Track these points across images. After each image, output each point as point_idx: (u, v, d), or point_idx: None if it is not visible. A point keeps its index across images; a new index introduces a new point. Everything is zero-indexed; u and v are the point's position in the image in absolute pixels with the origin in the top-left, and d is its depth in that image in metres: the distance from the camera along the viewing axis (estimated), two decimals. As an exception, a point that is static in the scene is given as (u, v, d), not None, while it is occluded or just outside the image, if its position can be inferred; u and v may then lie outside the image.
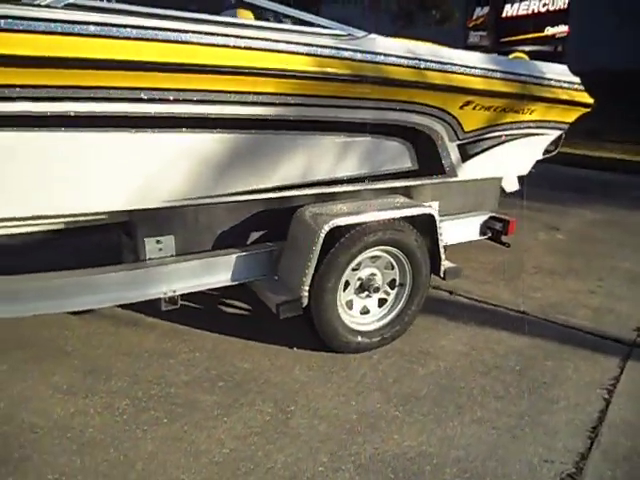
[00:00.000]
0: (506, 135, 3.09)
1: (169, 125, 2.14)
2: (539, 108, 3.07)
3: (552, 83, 3.09)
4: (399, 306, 2.87)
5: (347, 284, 2.73)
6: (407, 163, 2.84)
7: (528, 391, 2.54)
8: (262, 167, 2.45)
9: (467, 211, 3.50)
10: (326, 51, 2.25)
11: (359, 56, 2.33)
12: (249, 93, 2.18)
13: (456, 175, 3.10)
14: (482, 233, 3.49)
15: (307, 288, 2.48)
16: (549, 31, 4.84)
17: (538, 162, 3.78)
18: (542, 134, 3.27)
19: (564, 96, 3.14)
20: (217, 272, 2.60)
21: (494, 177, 3.43)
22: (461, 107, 2.72)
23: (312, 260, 2.45)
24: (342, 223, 2.46)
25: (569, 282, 3.78)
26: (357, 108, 2.47)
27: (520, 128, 3.10)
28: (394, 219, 2.64)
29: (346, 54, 2.29)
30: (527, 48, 4.12)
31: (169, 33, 1.96)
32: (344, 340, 2.70)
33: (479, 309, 3.36)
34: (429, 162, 2.92)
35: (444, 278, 2.92)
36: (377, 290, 2.75)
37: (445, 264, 2.91)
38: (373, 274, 2.78)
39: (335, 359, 2.74)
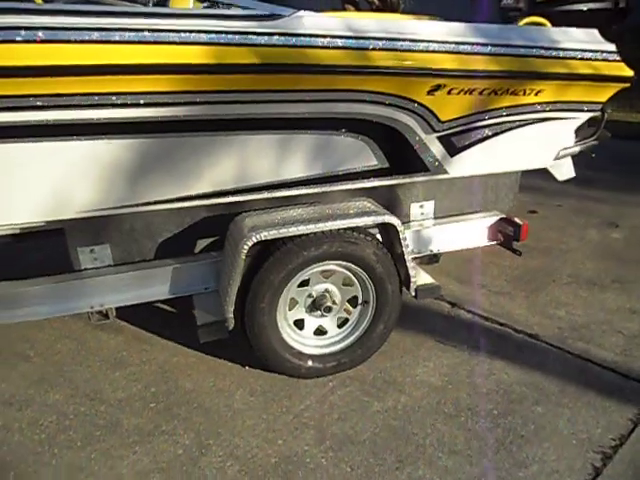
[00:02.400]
0: (506, 122, 2.51)
1: (69, 133, 1.95)
2: (549, 87, 2.44)
3: (569, 54, 2.43)
4: (362, 327, 2.48)
5: (295, 302, 2.40)
6: (372, 161, 2.41)
7: (495, 447, 2.06)
8: (186, 172, 2.18)
9: (472, 212, 2.96)
10: (234, 38, 1.90)
11: (278, 40, 1.95)
12: (148, 94, 1.91)
13: (446, 172, 2.59)
14: (492, 238, 2.93)
15: (232, 309, 2.20)
16: (606, -16, 3.82)
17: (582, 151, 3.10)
18: (562, 118, 2.62)
19: (588, 70, 2.47)
20: (153, 284, 2.41)
21: (504, 172, 2.84)
22: (430, 92, 2.22)
23: (234, 277, 2.15)
24: (268, 237, 2.12)
25: (608, 297, 3.08)
26: (288, 102, 2.09)
27: (525, 113, 2.50)
28: (342, 230, 2.24)
29: (259, 39, 1.92)
30: (574, 7, 3.31)
31: (38, 32, 1.74)
32: (289, 365, 2.39)
33: (480, 329, 2.84)
34: (403, 158, 2.46)
35: (416, 297, 2.47)
36: (329, 309, 2.39)
37: (418, 280, 2.46)
38: (327, 291, 2.42)
39: (285, 384, 2.45)
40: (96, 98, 1.85)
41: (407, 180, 2.58)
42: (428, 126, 2.35)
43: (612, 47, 2.57)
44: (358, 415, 2.26)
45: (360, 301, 2.48)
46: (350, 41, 2.03)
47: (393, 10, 10.88)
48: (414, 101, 2.23)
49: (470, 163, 2.62)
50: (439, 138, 2.43)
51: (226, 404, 2.35)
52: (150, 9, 2.18)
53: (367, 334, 2.47)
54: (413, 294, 2.45)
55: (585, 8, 3.37)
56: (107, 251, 2.40)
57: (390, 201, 2.76)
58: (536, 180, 3.14)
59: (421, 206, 2.84)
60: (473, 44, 2.22)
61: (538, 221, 4.12)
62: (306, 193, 2.40)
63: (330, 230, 2.22)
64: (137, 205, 2.18)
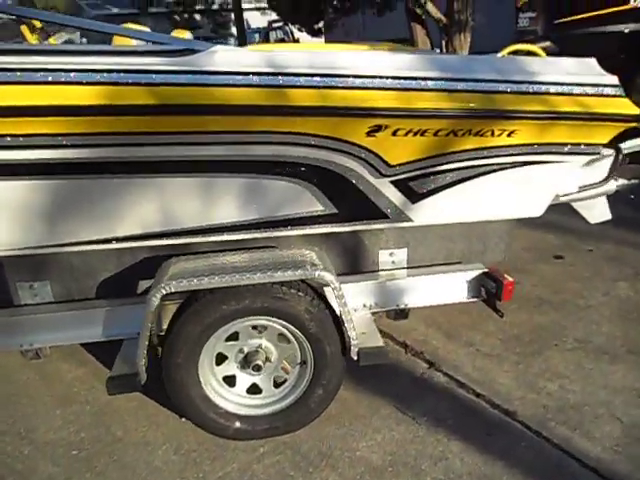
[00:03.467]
0: (475, 166, 2.17)
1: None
2: (525, 127, 2.08)
3: (552, 89, 2.06)
4: (300, 390, 2.23)
5: (225, 357, 2.21)
6: (317, 206, 2.17)
7: None
8: (106, 214, 2.07)
9: (454, 262, 2.61)
10: (135, 76, 1.76)
11: (184, 78, 1.78)
12: (49, 135, 1.81)
13: (409, 219, 2.30)
14: (473, 294, 2.57)
15: (142, 362, 2.04)
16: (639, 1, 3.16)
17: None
18: (549, 162, 2.23)
19: (576, 107, 2.07)
20: (84, 325, 2.32)
21: (492, 220, 2.47)
22: (370, 134, 1.95)
23: (145, 329, 2.00)
24: (178, 289, 1.95)
25: (617, 372, 2.59)
26: (200, 144, 1.91)
27: (497, 156, 2.14)
28: (268, 284, 2.02)
29: (162, 77, 1.76)
30: (607, 29, 2.84)
31: None
32: (214, 424, 2.19)
33: (451, 398, 2.48)
34: (353, 204, 2.20)
35: (358, 362, 2.18)
36: (258, 368, 2.17)
37: (361, 343, 2.17)
38: (261, 347, 2.20)
39: (214, 443, 2.25)
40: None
41: (363, 227, 2.31)
42: (375, 170, 2.08)
43: (613, 80, 2.17)
44: (275, 493, 2.01)
45: (298, 360, 2.23)
46: (266, 78, 1.82)
47: (460, 28, 10.45)
48: (352, 143, 1.97)
49: (438, 211, 2.30)
50: (393, 183, 2.15)
51: (146, 460, 2.20)
52: (44, 47, 2.10)
53: (304, 398, 2.22)
54: (355, 358, 2.17)
55: (626, 30, 2.89)
56: (47, 288, 2.35)
57: (354, 248, 2.51)
58: (569, 218, 2.69)
59: (391, 254, 2.54)
60: (421, 79, 1.92)
61: (562, 269, 3.63)
62: (244, 239, 2.21)
63: (252, 284, 2.00)
64: (57, 246, 2.10)
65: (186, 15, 11.26)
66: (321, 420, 2.29)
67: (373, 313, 2.51)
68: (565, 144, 2.19)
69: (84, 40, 3.46)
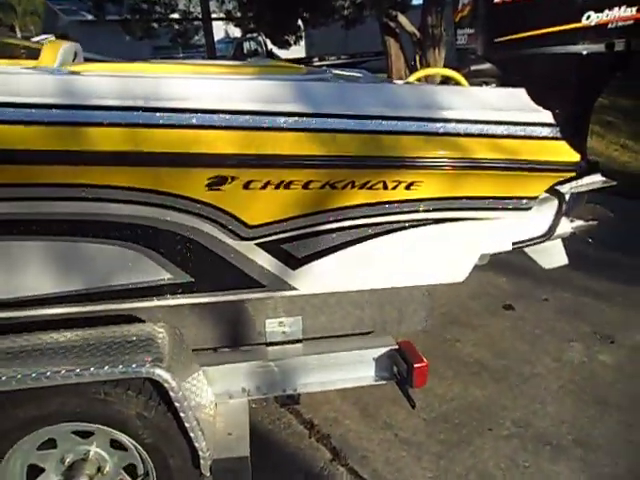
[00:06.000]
0: (368, 225, 1.67)
1: None
2: (430, 178, 1.59)
3: (468, 129, 1.58)
4: (144, 509, 1.71)
5: (40, 469, 1.68)
6: (161, 274, 1.66)
7: None
8: None
9: (362, 332, 2.12)
10: None
11: None
12: None
13: (292, 288, 1.80)
14: (384, 374, 2.06)
15: None
16: (594, 19, 2.57)
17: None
18: (467, 219, 1.75)
19: (500, 153, 1.59)
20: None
21: (401, 286, 1.98)
22: (211, 187, 1.45)
23: None
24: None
25: (560, 473, 2.09)
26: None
27: (395, 213, 1.65)
28: (80, 384, 1.51)
29: None
30: (554, 49, 2.36)
31: None
32: None
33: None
34: (210, 271, 1.69)
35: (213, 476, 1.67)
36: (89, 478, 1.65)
37: (221, 451, 1.66)
38: (89, 455, 1.68)
39: None
40: None
41: (232, 298, 1.80)
42: (229, 231, 1.58)
43: (547, 117, 1.70)
44: None
45: (141, 472, 1.71)
46: (55, 113, 1.31)
47: (434, 43, 10.07)
48: (189, 198, 1.47)
49: (329, 277, 1.81)
50: (260, 246, 1.65)
51: None
52: None
53: (147, 520, 1.70)
54: (207, 474, 1.65)
55: (585, 51, 2.41)
56: None
57: (234, 317, 2.00)
58: (525, 259, 2.20)
59: (281, 323, 2.04)
60: (278, 114, 1.43)
61: (510, 323, 3.14)
62: (70, 312, 1.69)
63: (56, 385, 1.48)
64: None
65: (141, 23, 10.75)
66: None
67: (254, 400, 2.00)
68: (486, 198, 1.70)
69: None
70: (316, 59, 15.16)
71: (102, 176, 1.39)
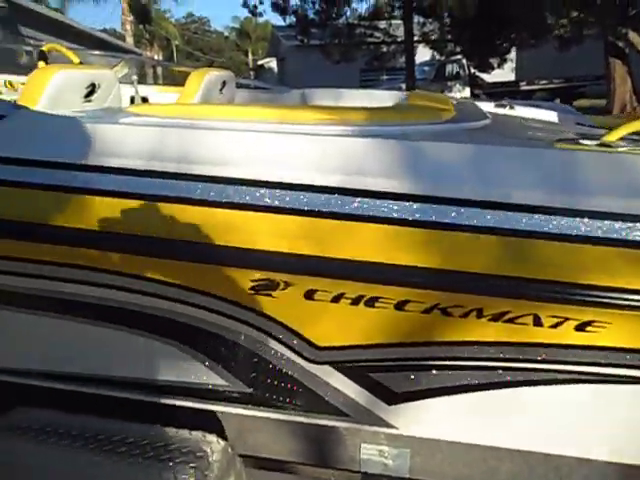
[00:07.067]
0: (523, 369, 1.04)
1: None
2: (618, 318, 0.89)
3: None
4: None
5: None
6: (211, 378, 1.26)
7: None
8: None
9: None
10: None
11: None
12: None
13: (390, 425, 1.27)
14: None
15: None
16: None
17: None
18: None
19: None
20: None
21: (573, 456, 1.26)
22: (259, 292, 0.98)
23: None
24: None
25: None
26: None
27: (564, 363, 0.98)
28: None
29: None
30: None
31: None
32: None
33: None
34: (273, 386, 1.24)
35: None
36: None
37: None
38: None
39: None
40: None
41: (295, 419, 1.33)
42: (290, 349, 1.10)
43: None
44: None
45: None
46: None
47: None
48: (226, 300, 1.03)
49: (448, 424, 1.21)
50: (339, 370, 1.15)
51: None
52: None
53: None
54: None
55: None
56: None
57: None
58: None
59: (381, 453, 1.49)
60: (350, 193, 0.91)
61: None
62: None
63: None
64: None
65: (340, 47, 10.77)
66: None
67: None
68: None
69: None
70: (524, 83, 13.83)
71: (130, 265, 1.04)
